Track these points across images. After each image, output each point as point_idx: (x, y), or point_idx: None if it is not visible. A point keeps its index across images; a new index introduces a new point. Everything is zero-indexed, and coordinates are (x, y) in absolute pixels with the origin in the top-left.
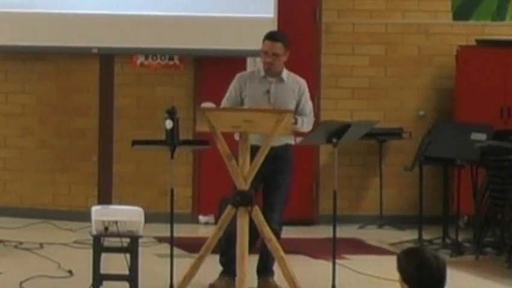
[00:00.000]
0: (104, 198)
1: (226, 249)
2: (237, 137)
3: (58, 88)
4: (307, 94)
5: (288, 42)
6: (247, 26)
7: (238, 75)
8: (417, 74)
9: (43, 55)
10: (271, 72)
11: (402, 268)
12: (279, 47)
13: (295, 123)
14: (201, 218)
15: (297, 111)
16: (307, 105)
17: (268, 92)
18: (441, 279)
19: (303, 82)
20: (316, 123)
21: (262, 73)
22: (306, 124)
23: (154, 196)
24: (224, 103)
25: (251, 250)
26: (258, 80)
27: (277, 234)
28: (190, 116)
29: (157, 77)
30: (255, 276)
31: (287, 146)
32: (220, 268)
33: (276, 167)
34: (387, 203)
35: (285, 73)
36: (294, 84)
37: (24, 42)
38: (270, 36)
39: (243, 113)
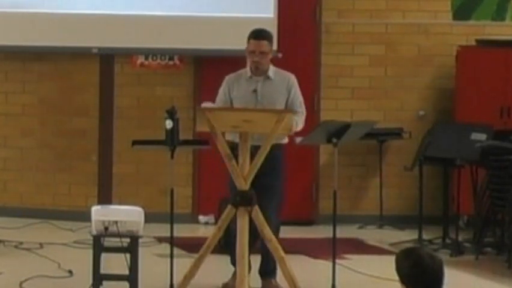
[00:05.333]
0: (104, 198)
1: (233, 249)
2: (228, 136)
3: (58, 88)
4: (296, 87)
5: (272, 39)
6: (247, 26)
7: (226, 78)
8: (417, 74)
9: (43, 55)
10: (259, 71)
11: (399, 268)
12: (265, 45)
13: None
14: (201, 218)
15: (287, 106)
16: (297, 99)
17: (255, 91)
18: (437, 279)
19: (291, 76)
20: (317, 123)
21: (249, 73)
22: (299, 123)
23: (154, 196)
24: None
25: (251, 250)
26: (244, 80)
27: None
28: (190, 116)
29: (157, 77)
30: (258, 276)
31: (276, 146)
32: (226, 268)
33: (263, 167)
34: (387, 203)
35: (272, 70)
36: (281, 80)
37: (24, 42)
38: (256, 35)
39: (243, 113)
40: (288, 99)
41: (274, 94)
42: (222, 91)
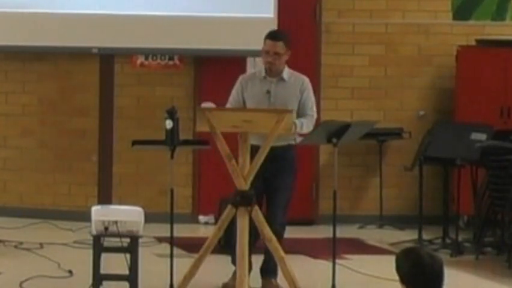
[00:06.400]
0: (104, 198)
1: (234, 249)
2: None
3: (58, 88)
4: (309, 90)
5: (290, 41)
6: (247, 26)
7: (240, 77)
8: (417, 74)
9: (43, 55)
10: (273, 72)
11: (399, 268)
12: (280, 46)
13: (295, 127)
14: (201, 218)
15: (299, 108)
16: (309, 101)
17: (268, 92)
18: (437, 279)
19: (305, 79)
20: (317, 123)
21: (263, 73)
22: (305, 126)
23: (154, 196)
24: (227, 106)
25: (252, 250)
26: (258, 81)
27: (279, 235)
28: (190, 116)
29: (157, 77)
30: (258, 276)
31: (288, 147)
32: (228, 267)
33: (276, 168)
34: (387, 203)
35: (286, 72)
36: (295, 82)
37: (24, 42)
38: (272, 36)
39: (243, 113)
40: (300, 101)
41: (287, 96)
42: (235, 90)
